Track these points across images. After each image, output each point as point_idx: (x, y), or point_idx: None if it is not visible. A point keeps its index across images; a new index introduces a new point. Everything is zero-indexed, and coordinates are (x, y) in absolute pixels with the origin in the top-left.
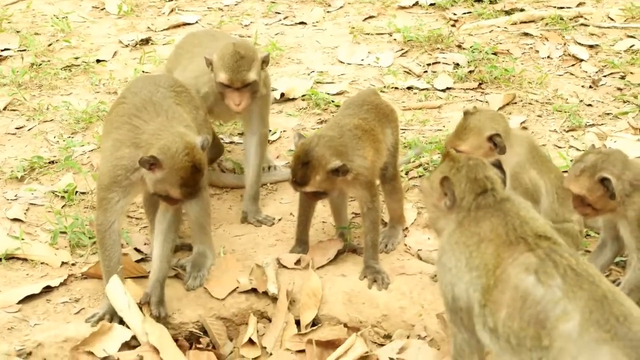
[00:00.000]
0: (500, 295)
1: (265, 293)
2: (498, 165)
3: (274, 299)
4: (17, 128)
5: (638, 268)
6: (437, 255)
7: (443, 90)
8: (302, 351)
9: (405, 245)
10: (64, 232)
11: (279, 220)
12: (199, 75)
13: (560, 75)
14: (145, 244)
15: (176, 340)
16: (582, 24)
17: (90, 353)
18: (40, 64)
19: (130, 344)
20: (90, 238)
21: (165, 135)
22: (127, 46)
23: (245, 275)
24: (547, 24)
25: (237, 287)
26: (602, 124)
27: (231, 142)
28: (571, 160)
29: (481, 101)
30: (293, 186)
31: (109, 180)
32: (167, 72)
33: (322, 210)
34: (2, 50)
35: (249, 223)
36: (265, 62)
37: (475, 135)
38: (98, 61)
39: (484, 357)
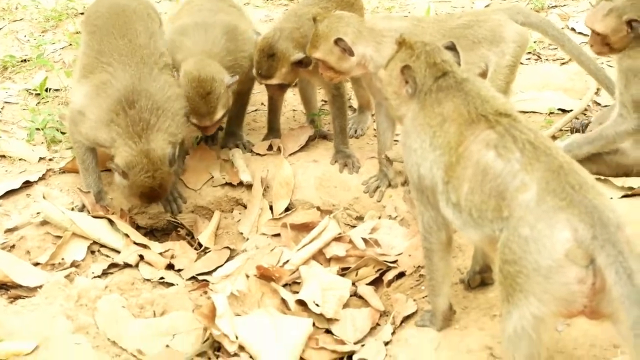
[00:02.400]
0: (462, 171)
1: (241, 183)
2: (452, 48)
3: (249, 186)
4: None
5: (614, 121)
6: (401, 139)
7: None
8: (278, 235)
9: (374, 130)
10: (40, 129)
11: (254, 111)
12: None
13: None
14: None
15: (154, 230)
16: None
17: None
18: None
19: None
20: (63, 133)
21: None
22: None
23: (218, 168)
24: None
25: (212, 178)
26: (564, 5)
27: None
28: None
29: None
30: (258, 79)
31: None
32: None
33: (292, 98)
34: None
35: (229, 148)
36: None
37: (324, 42)
38: None
39: (452, 234)
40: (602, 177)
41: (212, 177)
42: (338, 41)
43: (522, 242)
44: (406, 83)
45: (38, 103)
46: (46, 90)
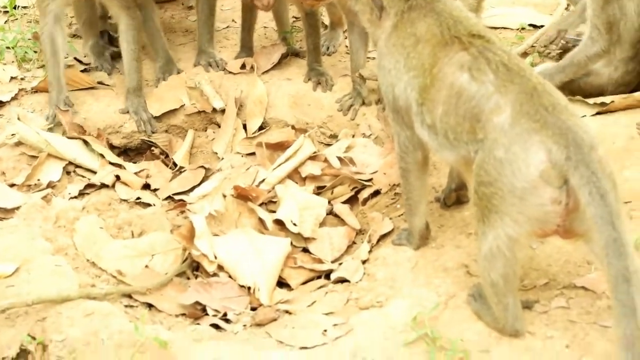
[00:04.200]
0: (436, 93)
1: (214, 109)
2: None
3: (222, 111)
4: None
5: (584, 44)
6: (376, 59)
7: None
8: (252, 154)
9: (347, 47)
10: (10, 48)
11: (226, 28)
12: None
13: None
14: (84, 57)
15: (128, 150)
16: None
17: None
18: None
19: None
20: (35, 52)
21: None
22: None
23: (186, 95)
24: None
25: (183, 106)
26: None
27: None
28: None
29: None
30: None
31: None
32: None
33: (264, 15)
34: None
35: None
36: None
37: None
38: None
39: (428, 153)
40: (575, 97)
41: (183, 104)
42: None
43: (497, 164)
44: (374, 8)
45: (6, 21)
46: (15, 7)
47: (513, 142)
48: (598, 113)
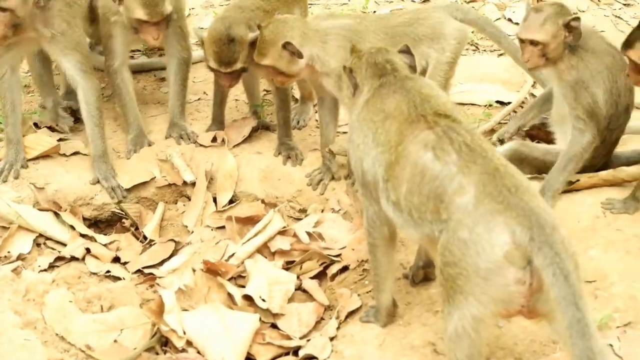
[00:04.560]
0: (401, 171)
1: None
2: (407, 51)
3: (193, 184)
4: None
5: (575, 137)
6: (348, 133)
7: None
8: (222, 227)
9: (317, 121)
10: None
11: (197, 100)
12: None
13: None
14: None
15: (98, 222)
16: None
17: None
18: None
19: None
20: None
21: None
22: None
23: (157, 167)
24: None
25: (154, 178)
26: None
27: None
28: (472, 32)
29: None
30: (222, 68)
31: None
32: None
33: (235, 88)
34: None
35: (172, 137)
36: None
37: (272, 47)
38: None
39: (395, 229)
40: (540, 175)
41: (154, 177)
42: (286, 45)
43: (462, 244)
44: (350, 84)
45: None
46: None
47: (477, 223)
48: (564, 192)
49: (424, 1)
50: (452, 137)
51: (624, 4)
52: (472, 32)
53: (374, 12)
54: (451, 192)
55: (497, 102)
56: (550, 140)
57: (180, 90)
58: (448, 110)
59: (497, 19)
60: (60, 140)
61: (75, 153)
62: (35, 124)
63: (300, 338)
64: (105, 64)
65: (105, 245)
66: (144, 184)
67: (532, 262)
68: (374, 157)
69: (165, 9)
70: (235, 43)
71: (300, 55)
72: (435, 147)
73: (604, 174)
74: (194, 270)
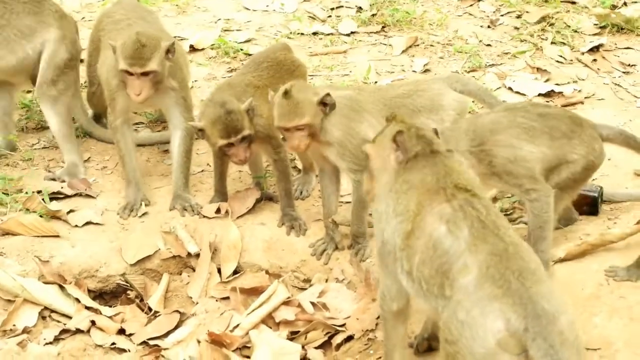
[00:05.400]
0: (416, 241)
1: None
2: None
3: (197, 255)
4: None
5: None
6: (374, 205)
7: (348, 35)
8: (227, 298)
9: (319, 191)
10: None
11: (201, 172)
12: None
13: (459, 15)
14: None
15: (103, 293)
16: None
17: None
18: None
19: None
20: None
21: None
22: None
23: (162, 239)
24: None
25: (159, 250)
26: (501, 64)
27: None
28: (473, 101)
29: (385, 44)
30: (230, 139)
31: None
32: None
33: None
34: None
35: (176, 209)
36: (170, 51)
37: (309, 105)
38: None
39: (406, 304)
40: None
41: (159, 249)
42: (326, 97)
43: (459, 325)
44: (396, 150)
45: None
46: None
47: (474, 306)
48: (563, 260)
49: (424, 71)
50: (466, 212)
51: (623, 72)
52: (473, 101)
53: (375, 82)
54: (456, 270)
55: None
56: None
57: (184, 162)
58: (469, 185)
59: (498, 88)
60: (70, 212)
61: (87, 223)
62: None
63: None
64: (108, 124)
65: (110, 317)
66: (148, 256)
67: (528, 351)
68: (393, 227)
69: (148, 64)
70: (234, 112)
71: (333, 107)
72: (450, 220)
73: (592, 240)
74: (199, 342)
